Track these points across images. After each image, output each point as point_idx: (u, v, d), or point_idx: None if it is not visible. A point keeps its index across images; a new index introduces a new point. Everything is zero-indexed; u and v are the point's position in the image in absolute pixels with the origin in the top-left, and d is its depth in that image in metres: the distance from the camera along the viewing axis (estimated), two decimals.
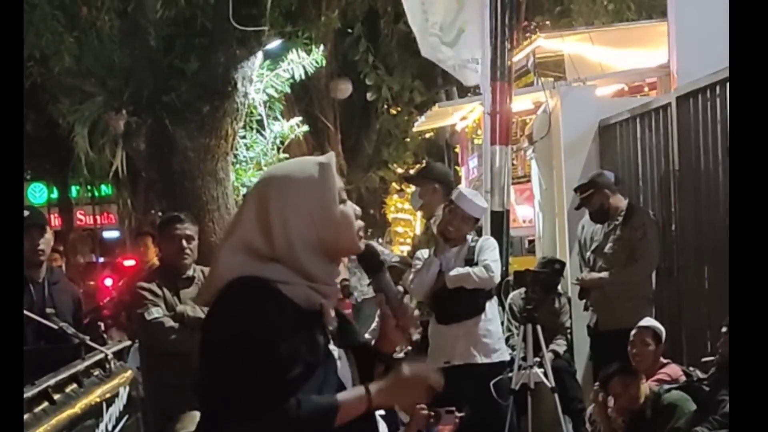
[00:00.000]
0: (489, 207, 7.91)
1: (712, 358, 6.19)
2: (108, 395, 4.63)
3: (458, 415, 5.71)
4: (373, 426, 2.51)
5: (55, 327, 5.02)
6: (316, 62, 9.65)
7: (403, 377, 2.42)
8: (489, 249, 6.55)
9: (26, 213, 5.36)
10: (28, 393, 3.70)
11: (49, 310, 5.23)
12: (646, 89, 10.34)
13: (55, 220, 24.22)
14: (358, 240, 2.48)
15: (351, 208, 2.48)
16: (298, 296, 2.37)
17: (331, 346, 2.43)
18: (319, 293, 2.41)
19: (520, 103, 9.90)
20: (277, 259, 2.38)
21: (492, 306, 6.60)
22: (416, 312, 2.55)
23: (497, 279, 6.66)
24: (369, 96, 14.88)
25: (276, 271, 2.37)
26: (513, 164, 10.51)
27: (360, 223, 2.49)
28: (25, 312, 4.92)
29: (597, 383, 6.52)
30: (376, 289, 2.55)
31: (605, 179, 7.67)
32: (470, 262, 6.49)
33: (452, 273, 6.46)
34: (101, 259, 26.17)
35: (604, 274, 7.42)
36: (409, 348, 6.82)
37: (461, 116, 13.18)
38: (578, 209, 7.91)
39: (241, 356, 2.26)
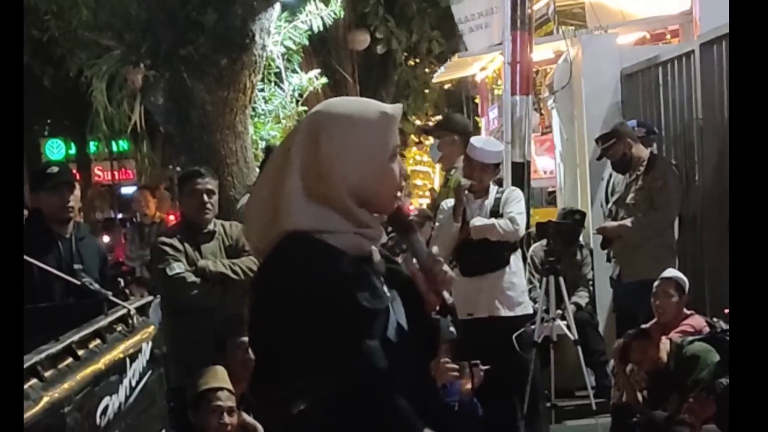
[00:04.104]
0: (510, 158, 7.85)
1: None
2: (131, 351, 4.62)
3: (482, 368, 5.73)
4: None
5: (78, 282, 5.03)
6: (334, 13, 9.54)
7: None
8: (514, 201, 6.48)
9: (55, 169, 5.39)
10: (53, 349, 3.70)
11: (77, 266, 5.24)
12: (668, 37, 10.22)
13: None
14: (394, 201, 2.42)
15: (398, 167, 2.40)
16: (348, 245, 2.32)
17: (385, 289, 2.39)
18: (366, 238, 2.36)
19: (541, 52, 9.80)
20: (324, 199, 2.31)
21: (516, 259, 6.55)
22: (449, 273, 2.42)
23: (522, 232, 6.60)
24: (379, 49, 14.72)
25: (324, 220, 2.31)
26: (541, 114, 10.44)
27: (402, 183, 2.43)
28: (49, 268, 4.95)
29: (616, 346, 6.49)
30: (407, 251, 2.49)
31: (627, 128, 7.61)
32: (495, 213, 6.44)
33: (477, 223, 6.40)
34: (119, 215, 26.29)
35: (626, 221, 7.39)
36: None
37: (481, 66, 13.08)
38: (599, 159, 7.85)
39: (302, 316, 2.23)
